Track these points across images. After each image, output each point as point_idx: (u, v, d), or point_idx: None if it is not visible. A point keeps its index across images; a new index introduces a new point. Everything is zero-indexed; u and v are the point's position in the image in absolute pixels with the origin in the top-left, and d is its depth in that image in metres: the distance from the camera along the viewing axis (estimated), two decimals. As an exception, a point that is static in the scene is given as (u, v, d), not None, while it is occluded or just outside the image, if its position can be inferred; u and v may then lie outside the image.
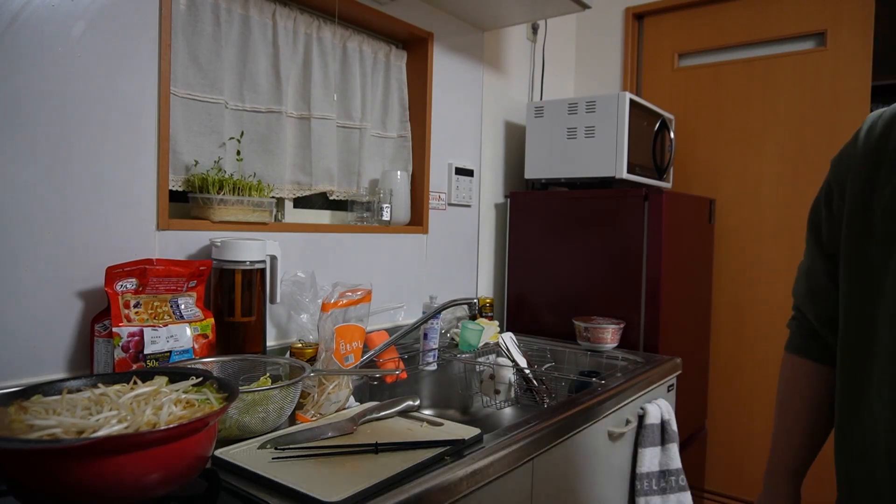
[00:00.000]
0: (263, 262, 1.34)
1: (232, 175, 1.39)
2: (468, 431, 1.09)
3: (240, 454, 0.96)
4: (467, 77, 2.09)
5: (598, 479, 1.40)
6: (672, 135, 2.23)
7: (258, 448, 0.99)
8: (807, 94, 2.25)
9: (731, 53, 2.44)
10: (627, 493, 1.55)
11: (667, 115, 2.22)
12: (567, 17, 2.64)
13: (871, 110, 1.22)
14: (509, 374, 1.51)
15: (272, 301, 1.41)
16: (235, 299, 1.27)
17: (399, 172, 1.84)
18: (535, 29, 2.42)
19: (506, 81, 2.30)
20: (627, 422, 1.52)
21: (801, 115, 2.26)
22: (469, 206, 2.13)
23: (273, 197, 1.51)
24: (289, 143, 1.59)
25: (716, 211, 2.41)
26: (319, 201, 1.76)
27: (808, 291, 0.88)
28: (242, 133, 1.48)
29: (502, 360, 1.55)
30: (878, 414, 0.69)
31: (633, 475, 1.56)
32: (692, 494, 1.66)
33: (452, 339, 1.91)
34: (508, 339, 1.65)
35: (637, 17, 2.62)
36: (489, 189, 2.24)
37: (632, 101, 1.97)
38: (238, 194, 1.37)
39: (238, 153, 1.46)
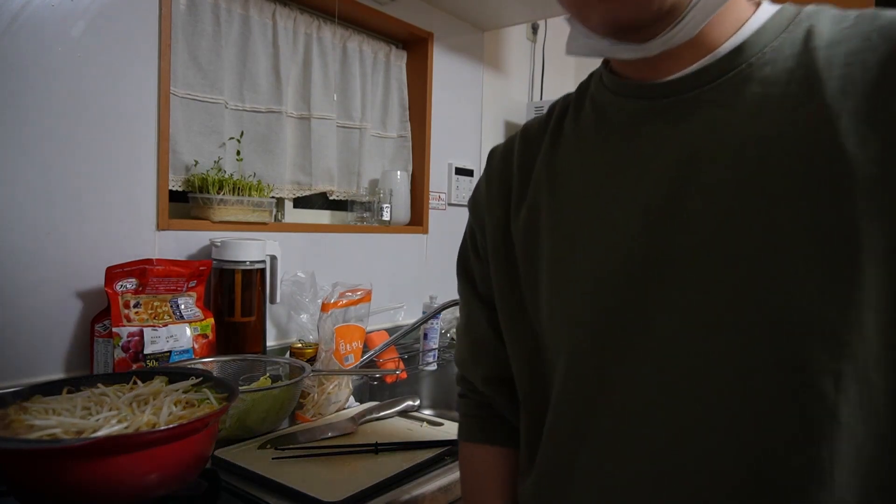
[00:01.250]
0: (263, 262, 1.34)
1: (232, 175, 1.39)
2: (468, 431, 1.09)
3: (240, 454, 0.96)
4: (467, 77, 2.09)
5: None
6: (672, 135, 2.22)
7: (258, 448, 0.99)
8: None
9: (731, 53, 2.43)
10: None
11: (667, 115, 2.22)
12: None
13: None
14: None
15: (272, 301, 1.41)
16: (235, 299, 1.27)
17: (399, 172, 1.84)
18: (535, 29, 2.42)
19: (506, 81, 2.30)
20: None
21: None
22: (469, 206, 2.13)
23: (273, 197, 1.51)
24: (289, 143, 1.59)
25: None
26: (319, 201, 1.76)
27: (471, 348, 0.72)
28: (242, 133, 1.48)
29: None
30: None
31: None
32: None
33: (452, 339, 1.91)
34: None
35: (637, 17, 2.62)
36: (489, 189, 2.24)
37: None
38: (238, 194, 1.37)
39: (238, 153, 1.46)
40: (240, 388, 0.95)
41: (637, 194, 0.51)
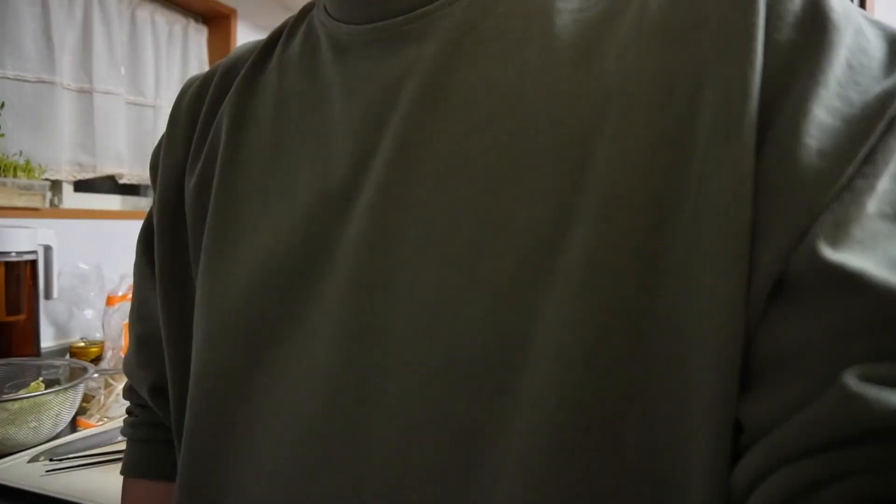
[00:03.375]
0: (35, 252, 1.19)
1: (-9, 153, 1.21)
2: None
3: (5, 470, 0.86)
4: (276, 58, 2.03)
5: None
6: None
7: (28, 462, 0.89)
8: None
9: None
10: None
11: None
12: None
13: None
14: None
15: (48, 297, 1.26)
16: (-2, 296, 1.12)
17: (201, 155, 1.74)
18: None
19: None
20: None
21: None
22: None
23: (47, 179, 1.34)
24: (66, 118, 1.42)
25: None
26: (107, 185, 1.60)
27: (139, 345, 0.50)
28: (3, 104, 1.29)
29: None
30: None
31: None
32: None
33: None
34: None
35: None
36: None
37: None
38: (0, 175, 1.19)
39: (-1, 127, 1.27)
40: (4, 395, 0.84)
41: (322, 166, 0.35)
